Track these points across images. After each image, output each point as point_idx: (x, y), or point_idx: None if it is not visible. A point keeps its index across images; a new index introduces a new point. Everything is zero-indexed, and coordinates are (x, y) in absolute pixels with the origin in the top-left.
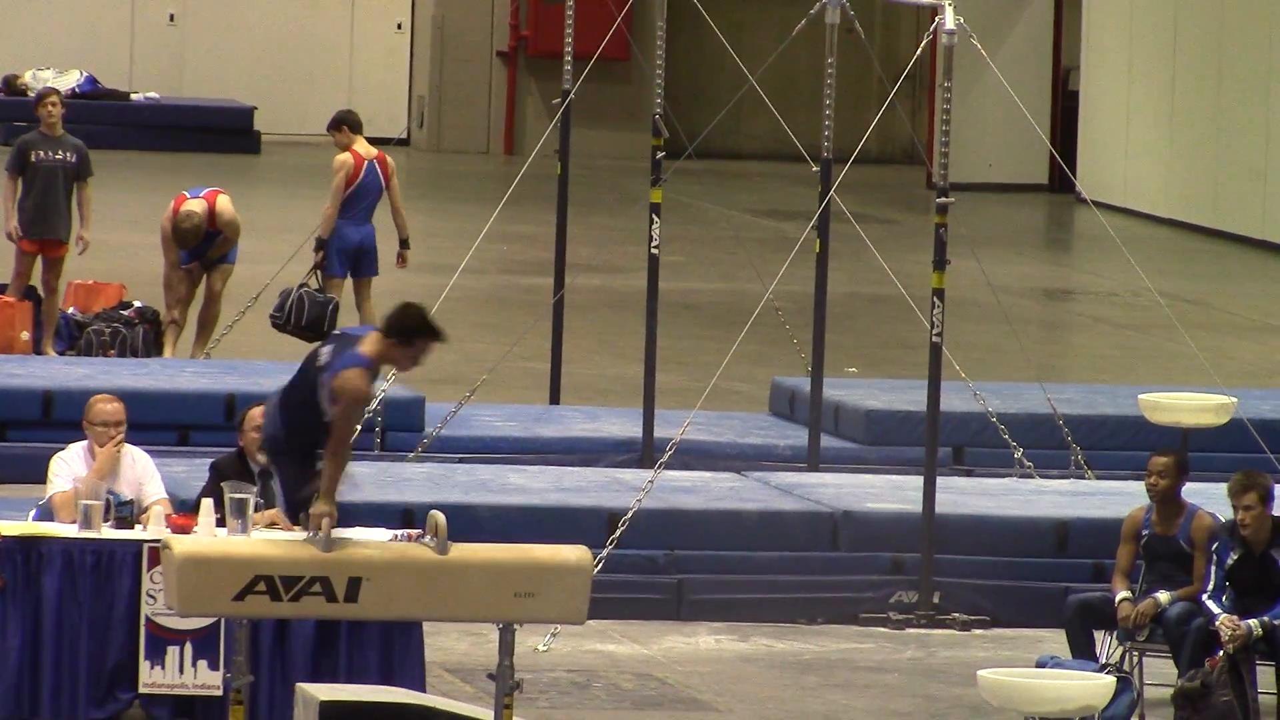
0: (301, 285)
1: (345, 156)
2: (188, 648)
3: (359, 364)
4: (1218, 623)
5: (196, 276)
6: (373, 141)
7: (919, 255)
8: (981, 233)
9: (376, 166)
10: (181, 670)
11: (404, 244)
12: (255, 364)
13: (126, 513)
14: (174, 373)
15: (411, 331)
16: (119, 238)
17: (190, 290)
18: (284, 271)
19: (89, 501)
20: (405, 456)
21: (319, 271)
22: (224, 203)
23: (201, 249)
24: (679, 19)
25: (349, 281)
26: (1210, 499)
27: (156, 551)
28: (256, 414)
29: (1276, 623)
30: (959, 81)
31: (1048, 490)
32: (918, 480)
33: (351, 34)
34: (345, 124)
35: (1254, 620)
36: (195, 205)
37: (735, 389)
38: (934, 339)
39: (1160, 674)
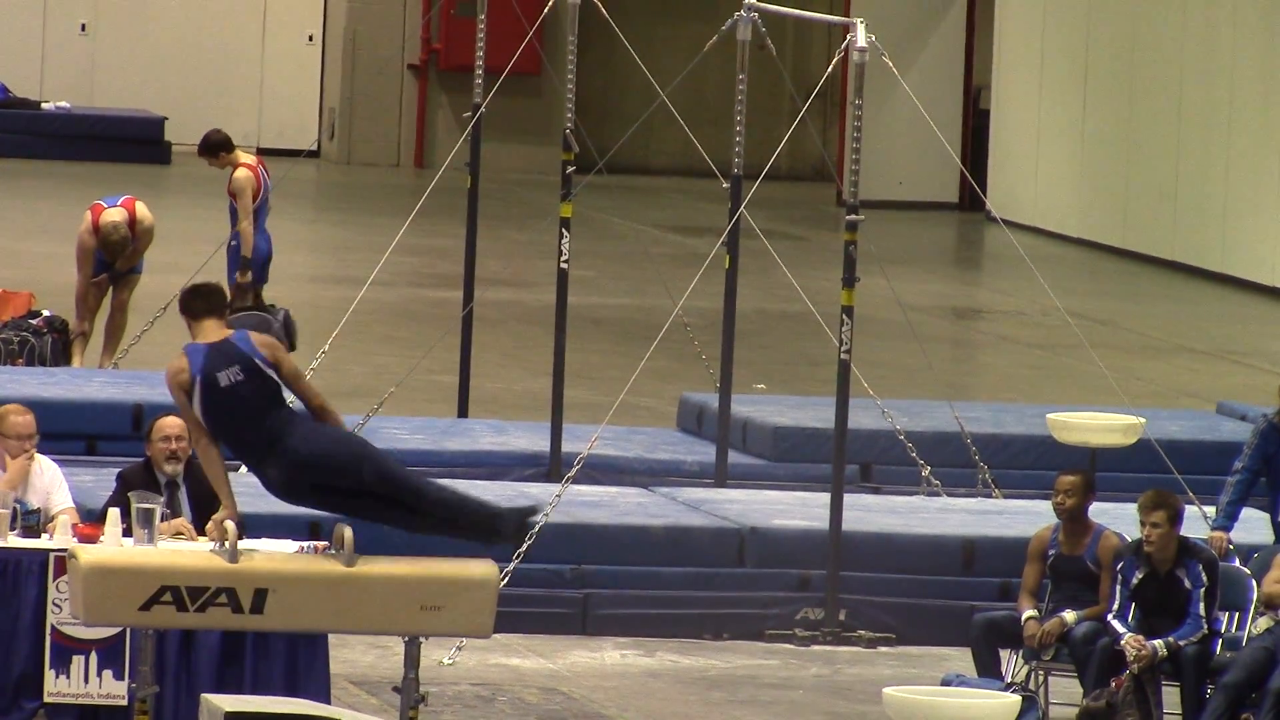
0: (235, 310)
1: (246, 173)
2: (93, 657)
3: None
4: (1123, 642)
5: (104, 287)
6: (283, 153)
7: (828, 272)
8: (891, 251)
9: (265, 173)
10: (87, 680)
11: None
12: (162, 374)
13: (33, 521)
14: (82, 382)
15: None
16: (28, 246)
17: (99, 300)
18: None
19: None
20: None
21: (244, 290)
22: (143, 209)
23: (108, 261)
24: (590, 34)
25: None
26: (1117, 519)
27: (63, 560)
28: (165, 424)
29: (1182, 643)
30: (870, 99)
31: (955, 508)
32: (825, 497)
33: (263, 45)
34: (223, 148)
35: (1159, 640)
36: (116, 215)
37: (643, 404)
38: (842, 356)
39: (1066, 693)
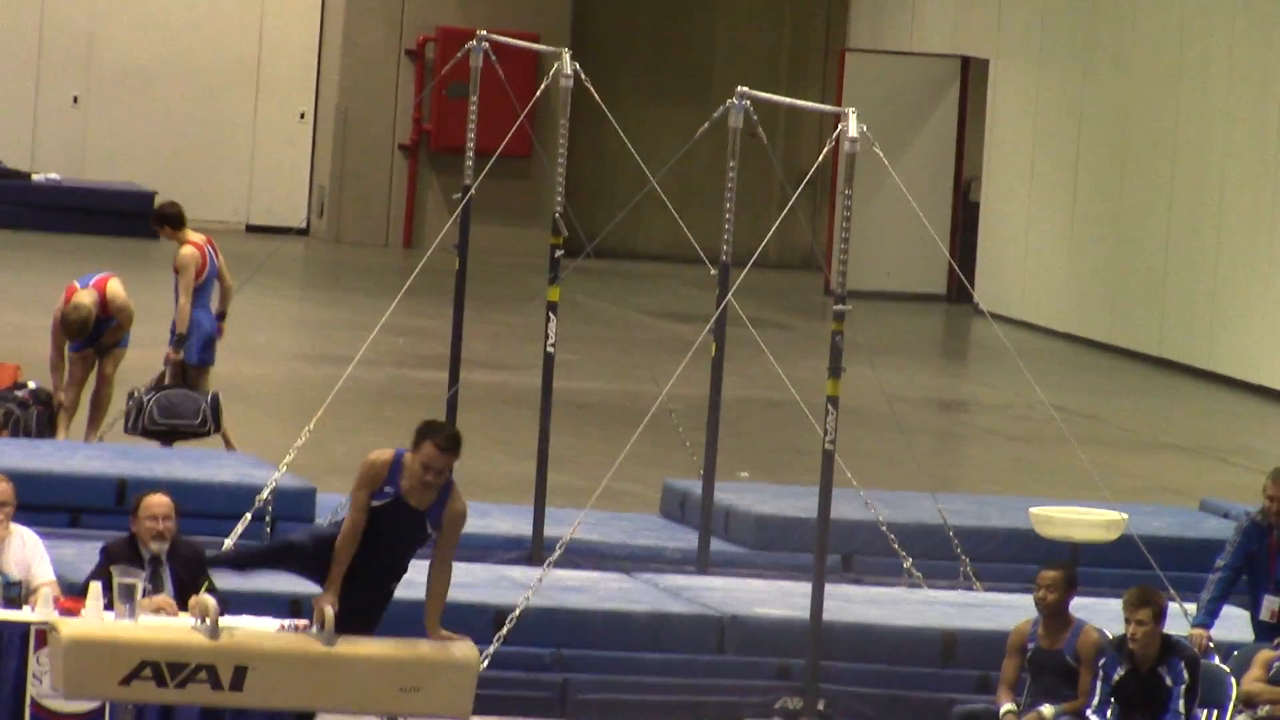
0: (164, 388)
1: (191, 250)
2: None
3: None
4: None
5: (90, 360)
6: (272, 230)
7: (815, 362)
8: (878, 341)
9: (211, 251)
10: None
11: (221, 316)
12: (147, 449)
13: (14, 593)
14: (66, 455)
15: (418, 435)
16: (15, 318)
17: (84, 373)
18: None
19: None
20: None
21: (176, 368)
22: (114, 288)
23: (94, 335)
24: (581, 117)
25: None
26: (1098, 614)
27: (44, 633)
28: (152, 503)
29: None
30: (860, 189)
31: (936, 600)
32: (806, 586)
33: (254, 121)
34: (169, 222)
35: None
36: (85, 296)
37: (627, 489)
38: (827, 446)
39: None
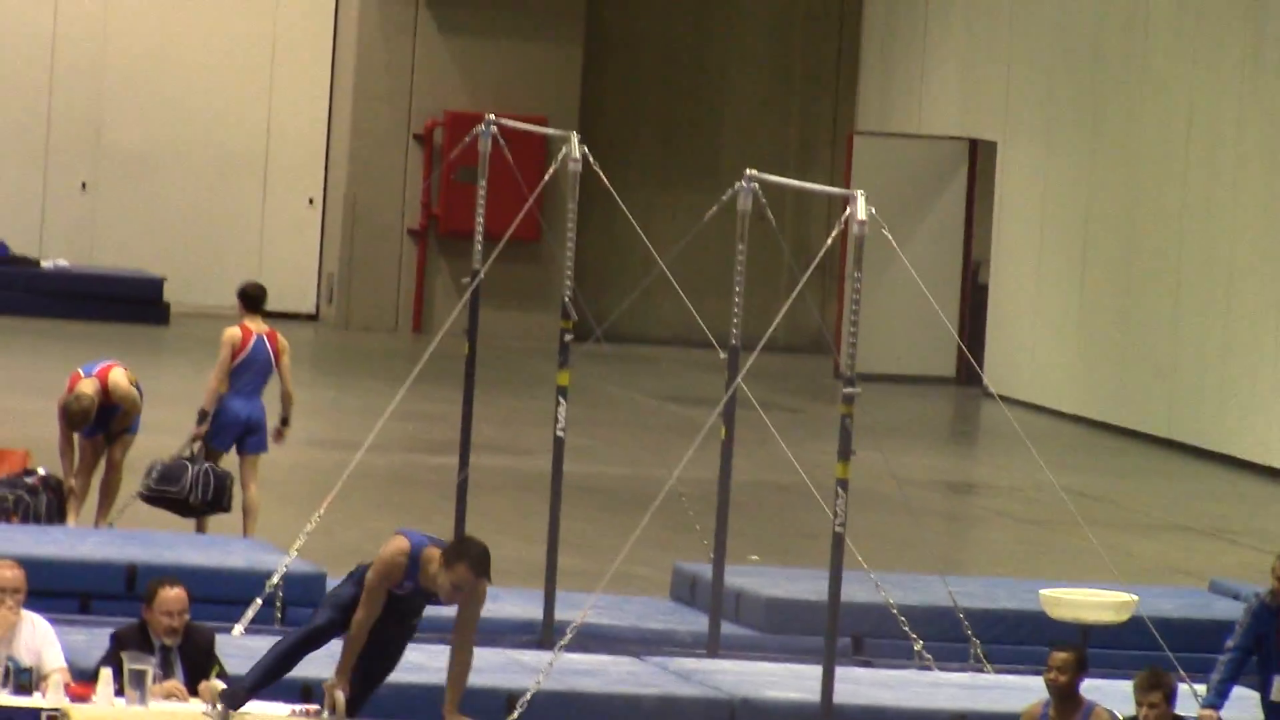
0: (187, 458)
1: (233, 330)
2: None
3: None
4: None
5: (100, 446)
6: (282, 316)
7: (824, 444)
8: (887, 424)
9: (266, 342)
10: None
11: (285, 421)
12: (158, 534)
13: (25, 680)
14: (76, 541)
15: (452, 554)
16: (24, 404)
17: (94, 459)
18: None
19: None
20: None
21: (202, 444)
22: (116, 377)
23: (103, 421)
24: (590, 202)
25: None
26: (1108, 695)
27: None
28: (169, 599)
29: None
30: (869, 271)
31: (946, 683)
32: (817, 669)
33: (263, 207)
34: (240, 298)
35: None
36: (87, 386)
37: (637, 573)
38: (837, 529)
39: None
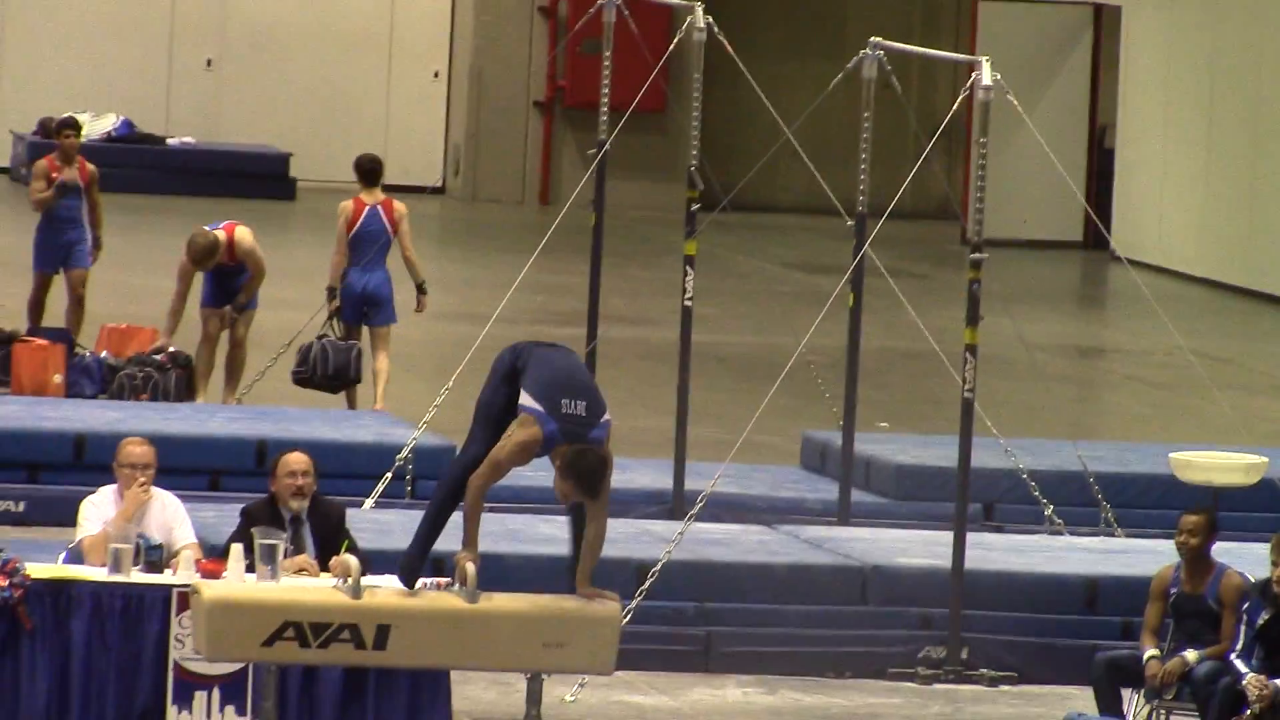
0: (321, 336)
1: (346, 203)
2: (215, 693)
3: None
4: (1245, 682)
5: (222, 319)
6: (408, 189)
7: (952, 311)
8: (1015, 289)
9: (380, 212)
10: (209, 715)
11: (420, 289)
12: (286, 410)
13: (156, 557)
14: (205, 418)
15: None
16: (152, 282)
17: (216, 332)
18: (317, 319)
19: (119, 545)
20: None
21: (336, 318)
22: (242, 233)
23: (228, 287)
24: (715, 72)
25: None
26: (1240, 558)
27: (185, 596)
28: (291, 460)
29: None
30: (994, 138)
31: (1077, 547)
32: (948, 536)
33: (388, 82)
34: (355, 170)
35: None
36: (214, 232)
37: (767, 442)
38: (966, 395)
39: None
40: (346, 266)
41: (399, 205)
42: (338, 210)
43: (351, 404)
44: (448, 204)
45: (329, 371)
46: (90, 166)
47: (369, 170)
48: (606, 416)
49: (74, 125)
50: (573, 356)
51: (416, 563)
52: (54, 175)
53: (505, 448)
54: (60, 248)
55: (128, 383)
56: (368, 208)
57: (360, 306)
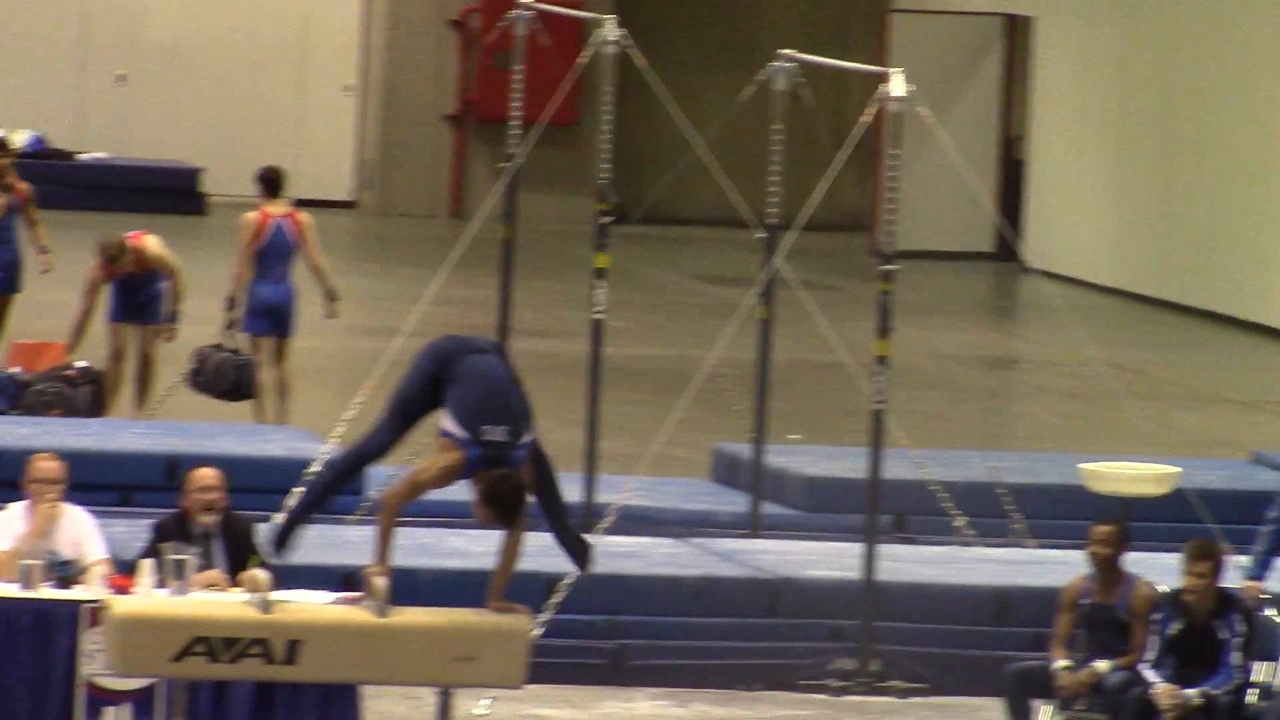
0: (216, 345)
1: (250, 215)
2: (126, 708)
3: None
4: (1155, 692)
5: (126, 335)
6: (319, 203)
7: (863, 323)
8: (926, 301)
9: (285, 225)
10: None
11: (331, 295)
12: (197, 425)
13: (66, 573)
14: (116, 433)
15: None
16: (64, 297)
17: (121, 347)
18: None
19: (29, 561)
20: (345, 519)
21: (234, 329)
22: (150, 240)
23: (135, 301)
24: (627, 85)
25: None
26: (1151, 569)
27: (96, 612)
28: (201, 476)
29: (1216, 693)
30: (906, 149)
31: (988, 558)
32: (858, 547)
33: (299, 96)
34: (258, 182)
35: (1194, 690)
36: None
37: (677, 455)
38: (876, 406)
39: None
40: (252, 278)
41: (304, 216)
42: (242, 221)
43: (260, 416)
44: (359, 218)
45: (225, 387)
46: (24, 185)
47: (271, 181)
48: (528, 436)
49: (3, 145)
50: (499, 367)
51: (286, 534)
52: None
53: (429, 471)
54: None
55: (38, 399)
56: (273, 220)
57: (266, 318)
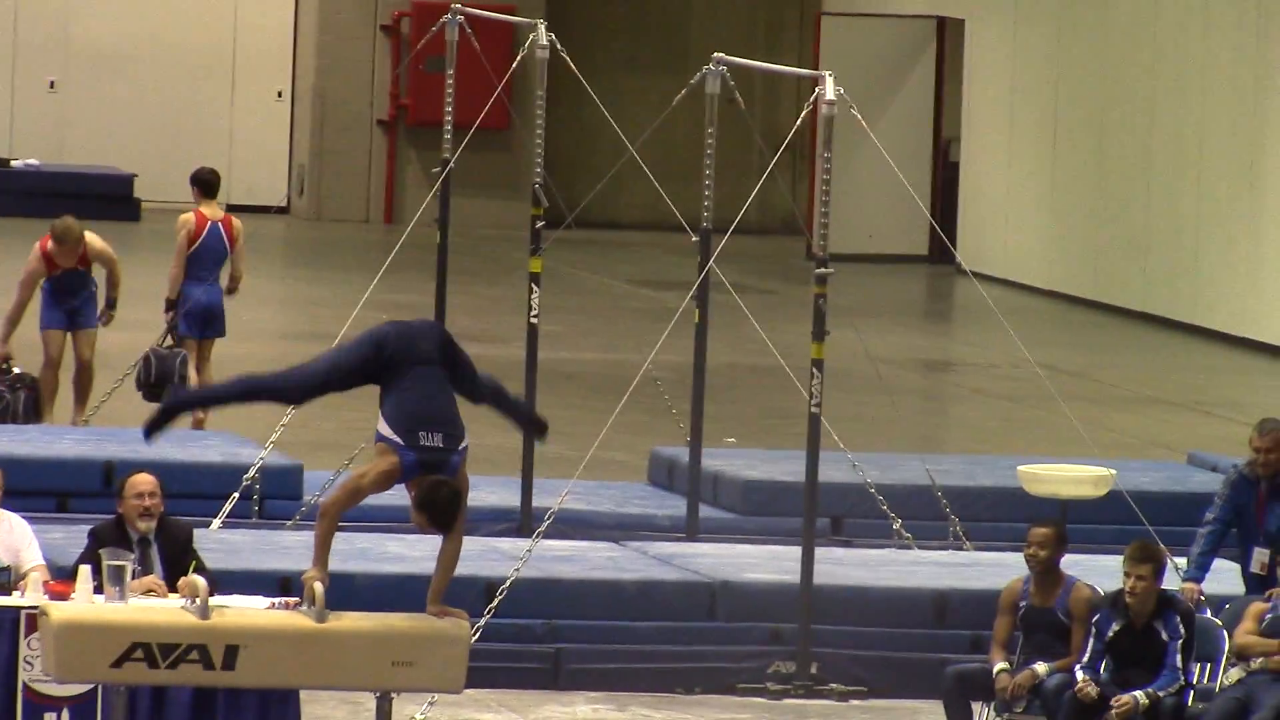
0: (161, 347)
1: (187, 216)
2: (65, 714)
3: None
4: (1077, 688)
5: (60, 341)
6: (252, 209)
7: (798, 326)
8: (861, 304)
9: (221, 228)
10: None
11: (230, 290)
12: (134, 431)
13: (4, 579)
14: (53, 439)
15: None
16: None
17: (58, 353)
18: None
19: None
20: (284, 524)
21: (172, 333)
22: (91, 235)
23: (68, 305)
24: (559, 88)
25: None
26: (1089, 570)
27: (34, 618)
28: (138, 481)
29: (1160, 694)
30: (839, 152)
31: (926, 561)
32: (796, 550)
33: (232, 102)
34: (194, 184)
35: (1139, 691)
36: None
37: (614, 459)
38: (813, 409)
39: None
40: (184, 280)
41: (238, 222)
42: (178, 223)
43: (200, 424)
44: (292, 224)
45: (152, 379)
46: None
47: (208, 183)
48: (464, 443)
49: None
50: (436, 376)
51: (162, 420)
52: None
53: (367, 476)
54: None
55: None
56: (210, 223)
57: (200, 320)
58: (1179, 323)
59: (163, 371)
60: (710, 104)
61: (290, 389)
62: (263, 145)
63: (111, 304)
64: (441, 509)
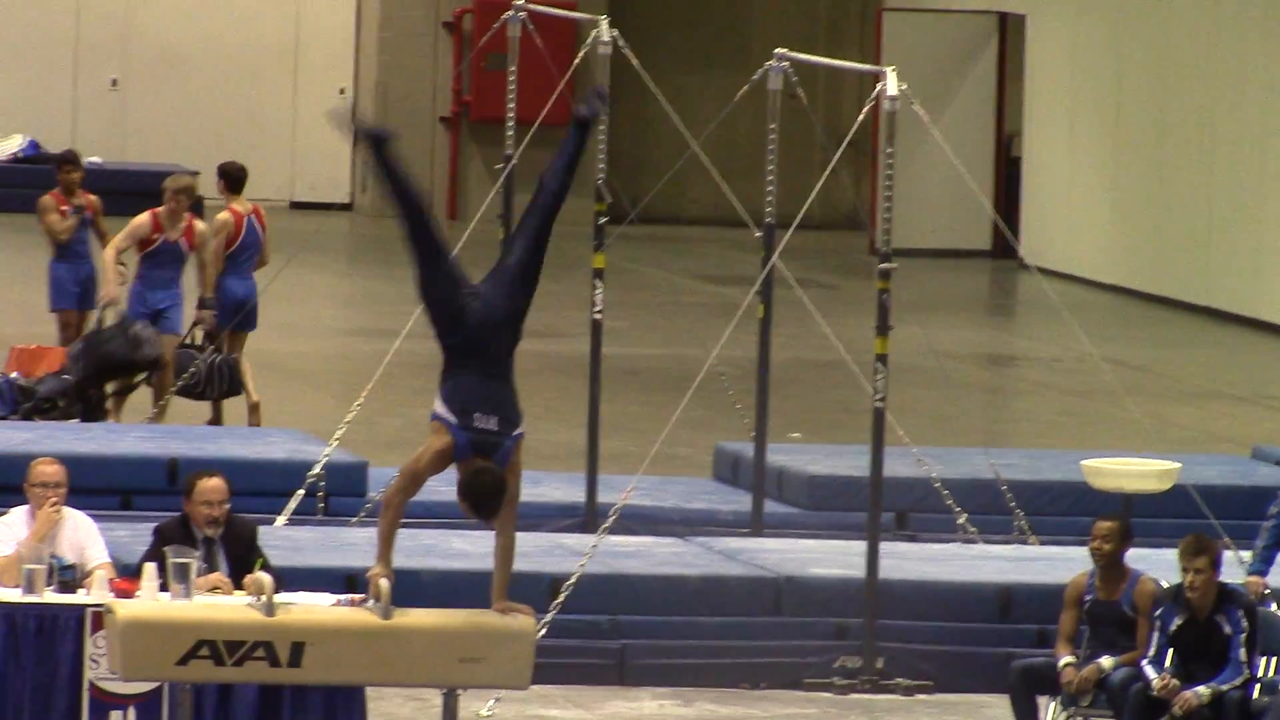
0: (189, 345)
1: (225, 217)
2: (131, 712)
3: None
4: (1154, 687)
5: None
6: (316, 206)
7: (862, 320)
8: (925, 298)
9: (254, 221)
10: None
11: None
12: (198, 428)
13: (69, 577)
14: (117, 437)
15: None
16: None
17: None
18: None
19: (32, 566)
20: (349, 521)
21: (209, 332)
22: (200, 224)
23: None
24: (622, 85)
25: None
26: (1153, 564)
27: (100, 616)
28: (207, 488)
29: (1224, 689)
30: (902, 147)
31: (991, 555)
32: (861, 545)
33: (294, 99)
34: (221, 176)
35: (1203, 687)
36: None
37: (678, 454)
38: (877, 404)
39: None
40: (221, 275)
41: (264, 212)
42: (216, 224)
43: (218, 417)
44: (356, 221)
45: (224, 389)
46: (93, 197)
47: (235, 178)
48: (519, 430)
49: (75, 160)
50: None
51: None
52: (63, 209)
53: (423, 458)
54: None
55: (39, 404)
56: (246, 218)
57: (234, 312)
58: (1242, 317)
59: (232, 383)
60: (772, 100)
61: (418, 193)
62: (326, 142)
63: (204, 304)
64: (483, 495)
